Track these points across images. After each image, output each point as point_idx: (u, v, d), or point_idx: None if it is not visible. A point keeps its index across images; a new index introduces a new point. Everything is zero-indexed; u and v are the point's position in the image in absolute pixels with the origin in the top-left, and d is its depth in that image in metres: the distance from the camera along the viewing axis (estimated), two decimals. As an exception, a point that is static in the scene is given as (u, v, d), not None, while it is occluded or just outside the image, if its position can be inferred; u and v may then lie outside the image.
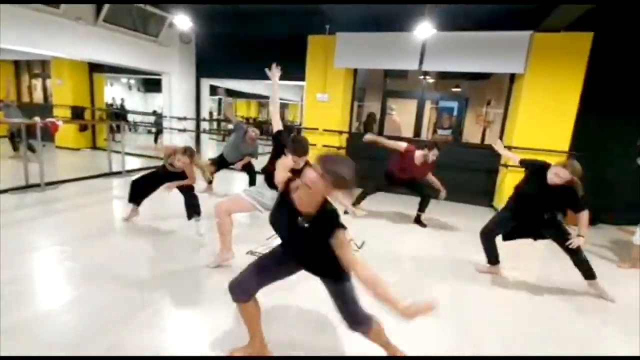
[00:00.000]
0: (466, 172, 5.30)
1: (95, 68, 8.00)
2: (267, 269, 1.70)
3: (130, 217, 3.65)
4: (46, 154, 5.30)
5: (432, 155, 3.88)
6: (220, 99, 13.28)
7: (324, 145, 6.01)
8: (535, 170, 2.84)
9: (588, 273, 2.80)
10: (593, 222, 4.87)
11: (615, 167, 4.81)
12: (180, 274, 2.66)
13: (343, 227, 1.43)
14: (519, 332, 2.27)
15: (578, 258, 2.80)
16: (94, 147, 8.39)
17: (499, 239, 3.05)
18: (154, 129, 10.60)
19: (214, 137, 10.35)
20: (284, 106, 16.72)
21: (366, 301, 1.62)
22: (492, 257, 3.05)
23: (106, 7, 5.07)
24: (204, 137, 7.85)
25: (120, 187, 4.57)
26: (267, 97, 13.82)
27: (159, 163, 3.63)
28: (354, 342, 1.90)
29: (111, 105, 11.01)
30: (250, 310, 1.69)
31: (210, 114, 11.88)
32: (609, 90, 4.72)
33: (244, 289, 1.65)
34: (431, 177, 4.19)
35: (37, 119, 4.85)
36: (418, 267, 3.14)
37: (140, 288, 2.43)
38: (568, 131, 4.70)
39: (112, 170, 5.79)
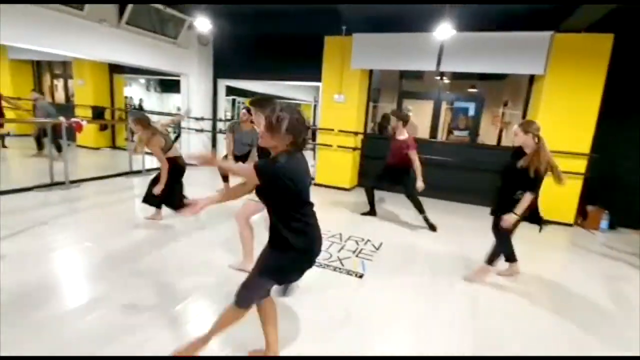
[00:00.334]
0: (484, 174, 5.25)
1: (115, 69, 8.20)
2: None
3: (154, 217, 3.73)
4: (69, 153, 5.46)
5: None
6: (234, 100, 13.43)
7: (339, 146, 6.04)
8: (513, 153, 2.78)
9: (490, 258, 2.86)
10: (613, 226, 4.78)
11: (636, 170, 4.71)
12: (205, 272, 2.72)
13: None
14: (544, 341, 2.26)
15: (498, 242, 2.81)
16: (114, 146, 8.60)
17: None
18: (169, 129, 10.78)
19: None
20: (295, 106, 16.76)
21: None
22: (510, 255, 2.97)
23: (129, 9, 5.19)
24: (221, 137, 7.95)
25: (141, 186, 4.68)
26: (281, 98, 13.90)
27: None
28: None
29: (131, 105, 11.24)
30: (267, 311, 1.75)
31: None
32: (631, 92, 4.63)
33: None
34: (416, 164, 4.04)
35: (62, 118, 5.01)
36: (434, 268, 3.13)
37: (165, 286, 2.50)
38: (589, 133, 4.61)
39: (132, 169, 5.93)
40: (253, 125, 4.47)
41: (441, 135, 7.36)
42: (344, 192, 6.00)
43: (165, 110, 13.71)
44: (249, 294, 1.63)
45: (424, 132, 7.01)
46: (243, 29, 6.53)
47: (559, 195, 4.80)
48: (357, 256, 3.28)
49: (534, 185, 2.59)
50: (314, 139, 6.84)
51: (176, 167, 3.47)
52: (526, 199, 2.58)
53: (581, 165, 4.69)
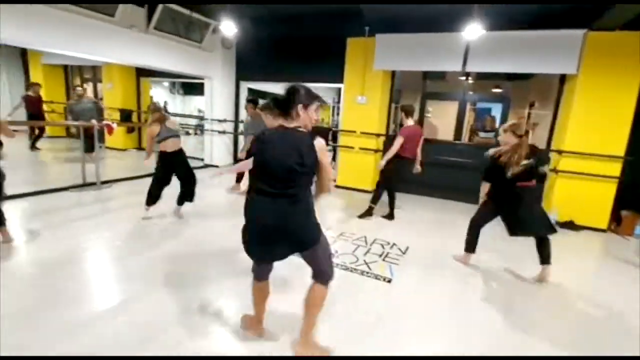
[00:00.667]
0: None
1: (142, 72, 8.44)
2: None
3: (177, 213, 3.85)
4: (99, 154, 5.66)
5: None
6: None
7: (361, 148, 6.02)
8: None
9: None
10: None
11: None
12: (237, 273, 2.77)
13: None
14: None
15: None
16: (140, 147, 8.85)
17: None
18: (191, 131, 11.02)
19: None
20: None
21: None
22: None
23: (157, 14, 5.33)
24: (242, 138, 8.07)
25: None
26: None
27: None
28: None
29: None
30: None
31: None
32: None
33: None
34: (391, 149, 4.30)
35: (94, 121, 5.20)
36: (463, 273, 3.08)
37: (195, 287, 2.55)
38: (623, 135, 4.43)
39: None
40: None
41: (464, 137, 7.22)
42: (366, 194, 5.96)
43: (187, 112, 14.03)
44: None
45: (446, 134, 6.90)
46: (265, 31, 6.61)
47: (592, 200, 4.65)
48: (383, 260, 3.25)
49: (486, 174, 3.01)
50: (335, 140, 6.84)
51: (163, 159, 3.60)
52: (484, 187, 3.05)
53: (615, 168, 4.51)
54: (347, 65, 6.01)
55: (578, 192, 4.68)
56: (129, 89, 8.50)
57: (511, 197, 2.82)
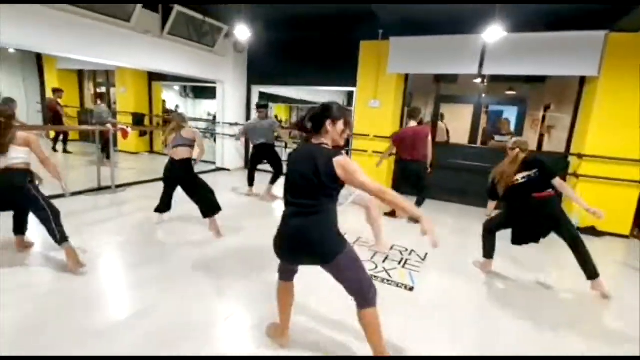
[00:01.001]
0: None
1: (154, 76, 8.51)
2: None
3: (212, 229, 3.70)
4: (106, 160, 5.68)
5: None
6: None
7: (375, 152, 5.95)
8: None
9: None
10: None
11: None
12: (258, 278, 2.73)
13: None
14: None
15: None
16: (152, 151, 8.91)
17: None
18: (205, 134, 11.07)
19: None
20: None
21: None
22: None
23: (171, 19, 5.36)
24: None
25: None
26: (309, 103, 13.98)
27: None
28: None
29: (167, 111, 11.64)
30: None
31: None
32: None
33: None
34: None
35: (109, 126, 5.23)
36: (487, 282, 3.00)
37: (214, 294, 2.51)
38: (649, 138, 4.31)
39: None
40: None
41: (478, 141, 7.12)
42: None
43: (197, 115, 14.13)
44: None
45: (460, 138, 6.81)
46: (277, 35, 6.61)
47: (614, 206, 4.51)
48: (403, 267, 3.19)
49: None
50: (347, 144, 6.80)
51: (169, 165, 3.57)
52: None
53: (638, 172, 4.38)
54: (360, 68, 5.97)
55: (600, 197, 4.55)
56: (141, 93, 8.58)
57: (526, 208, 2.79)
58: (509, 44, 4.76)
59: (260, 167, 5.53)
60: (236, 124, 7.47)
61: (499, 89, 7.88)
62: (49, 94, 7.94)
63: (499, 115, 7.51)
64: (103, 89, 7.15)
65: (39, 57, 9.25)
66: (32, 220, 2.73)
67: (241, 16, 4.92)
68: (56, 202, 2.70)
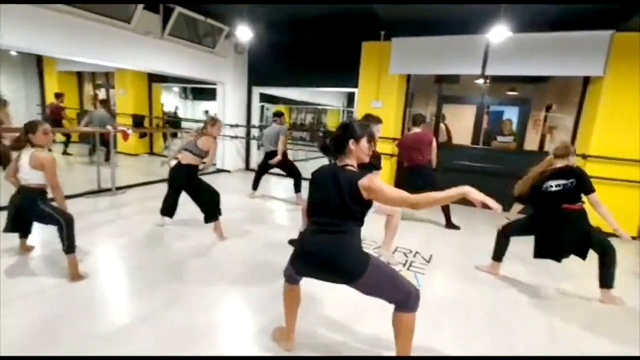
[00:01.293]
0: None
1: (154, 78, 8.48)
2: None
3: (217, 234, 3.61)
4: (105, 161, 5.63)
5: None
6: (262, 107, 13.62)
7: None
8: None
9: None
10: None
11: None
12: (262, 283, 2.68)
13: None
14: None
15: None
16: (151, 152, 8.87)
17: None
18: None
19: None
20: (321, 111, 16.77)
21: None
22: None
23: (172, 20, 5.33)
24: (254, 143, 8.03)
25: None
26: (309, 104, 13.96)
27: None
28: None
29: (168, 115, 11.61)
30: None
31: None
32: None
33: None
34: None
35: (109, 127, 5.18)
36: (494, 285, 2.95)
37: (221, 298, 2.47)
38: (654, 139, 4.27)
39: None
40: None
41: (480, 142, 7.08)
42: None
43: (196, 117, 14.08)
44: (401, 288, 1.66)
45: (463, 138, 6.77)
46: (278, 36, 6.57)
47: (620, 206, 4.46)
48: (408, 269, 3.14)
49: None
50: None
51: (174, 167, 3.50)
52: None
53: (645, 173, 4.35)
54: (362, 69, 5.93)
55: (605, 198, 4.42)
56: (141, 95, 8.54)
57: (554, 219, 2.68)
58: (512, 44, 4.72)
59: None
60: (237, 126, 7.44)
61: (500, 89, 7.86)
62: (49, 96, 7.90)
63: (499, 116, 7.47)
64: (103, 92, 7.12)
65: (39, 59, 9.21)
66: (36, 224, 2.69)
67: (242, 17, 4.89)
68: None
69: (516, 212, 3.05)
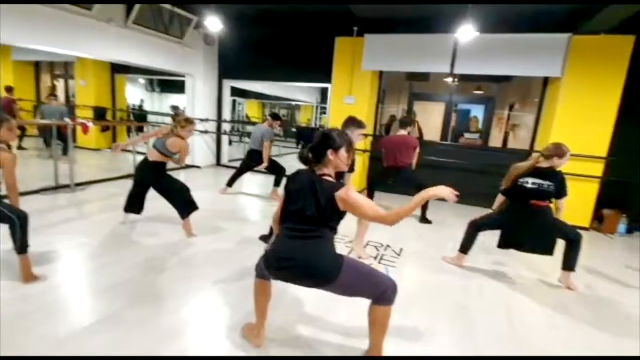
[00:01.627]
0: (495, 177, 5.19)
1: (117, 69, 8.05)
2: None
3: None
4: (64, 155, 5.31)
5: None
6: (234, 101, 13.30)
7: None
8: None
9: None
10: (630, 230, 4.74)
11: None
12: (229, 280, 2.61)
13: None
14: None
15: None
16: (115, 147, 8.44)
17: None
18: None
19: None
20: (294, 108, 16.68)
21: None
22: None
23: (136, 8, 5.07)
24: (225, 138, 7.85)
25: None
26: (282, 99, 13.81)
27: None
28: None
29: (133, 108, 11.06)
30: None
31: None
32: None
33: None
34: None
35: (67, 120, 4.86)
36: (458, 274, 3.05)
37: (190, 296, 2.38)
38: (606, 136, 4.57)
39: (137, 171, 5.80)
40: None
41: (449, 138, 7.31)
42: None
43: (163, 110, 13.54)
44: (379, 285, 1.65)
45: (432, 135, 6.96)
46: (250, 29, 6.44)
47: (575, 200, 4.75)
48: (379, 262, 3.19)
49: None
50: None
51: (140, 163, 3.39)
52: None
53: (598, 168, 4.65)
54: (335, 65, 5.92)
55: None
56: (103, 86, 8.10)
57: (520, 213, 2.84)
58: (478, 44, 4.89)
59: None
60: (207, 120, 7.23)
61: (468, 88, 8.14)
62: (3, 87, 7.31)
63: (467, 114, 7.75)
64: (61, 83, 6.67)
65: (-11, 46, 8.49)
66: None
67: (211, 7, 4.74)
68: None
69: (499, 203, 3.13)
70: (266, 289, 1.86)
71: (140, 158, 3.57)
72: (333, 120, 6.09)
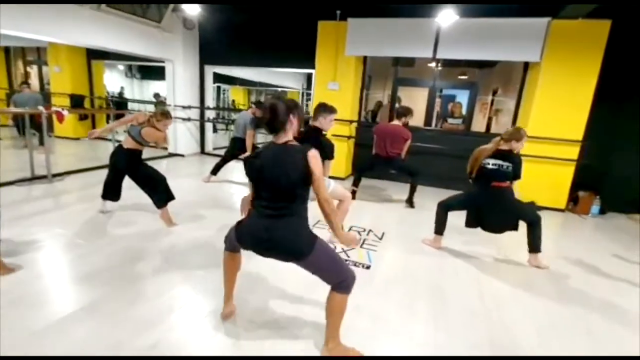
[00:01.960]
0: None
1: (93, 54, 7.77)
2: None
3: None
4: (48, 144, 5.15)
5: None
6: (219, 87, 13.02)
7: (334, 135, 5.93)
8: None
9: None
10: (603, 211, 4.92)
11: (627, 156, 4.83)
12: (209, 266, 2.62)
13: None
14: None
15: None
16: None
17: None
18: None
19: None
20: (280, 94, 16.45)
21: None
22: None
23: (109, -10, 4.87)
24: (209, 126, 7.72)
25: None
26: (269, 85, 13.62)
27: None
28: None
29: (113, 96, 10.71)
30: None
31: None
32: (626, 79, 4.69)
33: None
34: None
35: (41, 108, 4.70)
36: (436, 256, 3.13)
37: (170, 283, 2.39)
38: (582, 120, 4.68)
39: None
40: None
41: (434, 124, 7.35)
42: (339, 181, 5.93)
43: (145, 98, 13.20)
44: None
45: (416, 120, 6.99)
46: (231, 13, 6.27)
47: (552, 182, 4.91)
48: (361, 247, 3.24)
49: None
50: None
51: (115, 150, 3.35)
52: None
53: (574, 151, 4.77)
54: (318, 49, 5.85)
55: (539, 174, 4.92)
56: (79, 73, 7.82)
57: (483, 194, 2.97)
58: (460, 29, 4.90)
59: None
60: (189, 107, 7.09)
61: (452, 74, 8.17)
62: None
63: (452, 99, 7.79)
64: (35, 70, 6.41)
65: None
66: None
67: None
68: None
69: None
70: (236, 260, 1.93)
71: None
72: (317, 106, 6.05)
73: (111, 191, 3.43)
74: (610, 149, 4.91)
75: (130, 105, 11.12)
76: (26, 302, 2.07)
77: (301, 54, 6.07)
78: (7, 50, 8.99)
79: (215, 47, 6.95)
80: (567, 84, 4.63)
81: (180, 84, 6.85)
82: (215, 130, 9.55)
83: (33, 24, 4.32)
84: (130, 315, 2.00)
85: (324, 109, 2.94)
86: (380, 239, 3.47)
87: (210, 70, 7.32)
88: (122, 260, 2.65)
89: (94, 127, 8.27)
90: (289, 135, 1.64)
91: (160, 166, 5.69)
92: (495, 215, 2.99)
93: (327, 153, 2.79)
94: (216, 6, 5.65)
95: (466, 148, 5.47)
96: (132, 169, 3.26)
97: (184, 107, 6.97)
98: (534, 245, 3.02)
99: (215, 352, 1.78)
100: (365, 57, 5.99)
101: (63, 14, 4.55)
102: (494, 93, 7.99)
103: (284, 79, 12.89)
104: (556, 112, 4.72)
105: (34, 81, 9.24)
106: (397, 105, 6.23)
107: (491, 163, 2.89)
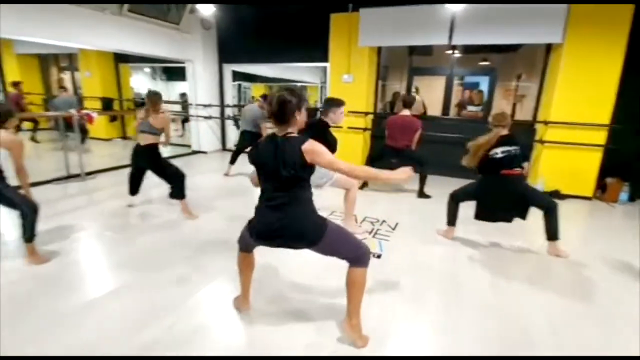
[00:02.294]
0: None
1: (120, 58, 8.16)
2: None
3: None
4: (81, 145, 5.51)
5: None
6: (239, 85, 13.28)
7: (349, 127, 5.96)
8: None
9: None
10: (632, 198, 4.67)
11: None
12: (230, 258, 2.76)
13: None
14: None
15: None
16: (124, 136, 8.66)
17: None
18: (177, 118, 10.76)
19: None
20: (300, 89, 16.54)
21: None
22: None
23: (129, -5, 5.10)
24: (229, 123, 7.94)
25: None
26: (288, 81, 13.73)
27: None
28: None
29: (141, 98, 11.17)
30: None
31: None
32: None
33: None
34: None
35: (73, 111, 5.03)
36: (448, 247, 3.12)
37: (192, 271, 2.54)
38: (609, 104, 4.44)
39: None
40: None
41: (452, 112, 7.19)
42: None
43: (172, 98, 13.67)
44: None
45: (433, 109, 6.88)
46: (246, 11, 6.40)
47: (578, 169, 4.71)
48: (373, 237, 3.28)
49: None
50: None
51: (134, 150, 3.53)
52: None
53: (601, 136, 4.55)
54: (331, 42, 5.87)
55: (564, 161, 4.74)
56: (108, 77, 8.24)
57: (493, 184, 2.90)
58: (476, 14, 4.76)
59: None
60: (210, 105, 7.31)
61: (473, 60, 7.91)
62: (10, 80, 7.52)
63: (475, 87, 7.58)
64: (68, 76, 6.80)
65: (-7, 41, 8.69)
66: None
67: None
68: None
69: None
70: (251, 261, 2.01)
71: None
72: (332, 99, 6.08)
73: (132, 187, 3.69)
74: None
75: (163, 116, 11.56)
76: (59, 287, 2.29)
77: (315, 48, 6.11)
78: (42, 57, 9.59)
79: (231, 46, 7.12)
80: (592, 65, 4.41)
81: (200, 83, 7.08)
82: (238, 126, 9.78)
83: (60, 32, 4.61)
84: (153, 299, 2.17)
85: (332, 103, 2.99)
86: (394, 229, 3.50)
87: (228, 68, 7.51)
88: (147, 249, 2.85)
89: (124, 127, 8.71)
90: (293, 127, 1.70)
91: (184, 162, 5.94)
92: (506, 203, 2.91)
93: (332, 147, 2.84)
94: (230, 5, 5.78)
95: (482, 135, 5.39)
96: (154, 163, 3.48)
97: (205, 106, 7.21)
98: (552, 232, 2.93)
99: (232, 334, 1.91)
100: (379, 48, 5.94)
101: (87, 21, 4.82)
102: (518, 78, 7.69)
103: (302, 74, 12.95)
104: (581, 95, 4.51)
105: (68, 86, 9.81)
106: (401, 94, 6.15)
107: (500, 151, 2.81)
